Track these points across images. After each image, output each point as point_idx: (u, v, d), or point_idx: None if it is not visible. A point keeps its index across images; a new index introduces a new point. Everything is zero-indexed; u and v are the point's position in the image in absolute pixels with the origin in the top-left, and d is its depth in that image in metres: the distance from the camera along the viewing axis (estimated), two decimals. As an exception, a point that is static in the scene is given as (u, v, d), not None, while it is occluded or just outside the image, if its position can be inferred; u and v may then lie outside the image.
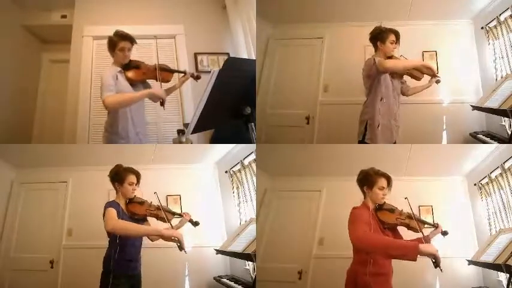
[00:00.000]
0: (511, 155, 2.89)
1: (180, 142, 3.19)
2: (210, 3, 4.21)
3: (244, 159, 3.31)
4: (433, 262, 1.76)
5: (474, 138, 3.18)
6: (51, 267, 3.38)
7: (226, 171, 3.55)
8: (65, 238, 3.45)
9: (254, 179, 3.19)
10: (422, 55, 3.44)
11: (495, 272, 2.86)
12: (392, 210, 2.04)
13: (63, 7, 4.27)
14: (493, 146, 2.95)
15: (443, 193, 3.36)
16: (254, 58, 3.30)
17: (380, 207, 2.02)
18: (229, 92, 1.82)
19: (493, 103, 2.64)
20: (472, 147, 3.14)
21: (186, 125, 3.54)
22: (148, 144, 3.14)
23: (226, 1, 3.92)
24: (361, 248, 1.77)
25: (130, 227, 2.08)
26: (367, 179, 2.04)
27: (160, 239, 2.10)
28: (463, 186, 3.39)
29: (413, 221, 2.04)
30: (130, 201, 2.28)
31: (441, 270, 1.76)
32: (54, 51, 4.73)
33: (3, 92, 3.98)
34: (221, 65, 1.81)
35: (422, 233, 2.00)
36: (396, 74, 2.59)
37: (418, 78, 2.65)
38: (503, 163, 2.94)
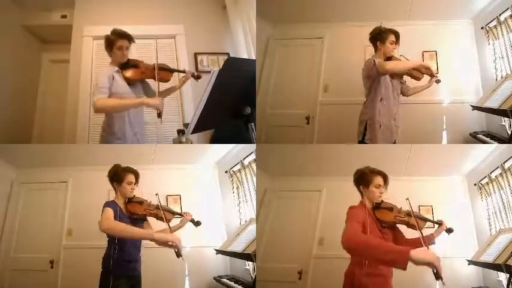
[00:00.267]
0: (511, 155, 2.89)
1: (180, 142, 3.19)
2: (210, 3, 4.21)
3: (244, 159, 3.31)
4: (433, 272, 1.45)
5: (474, 138, 3.18)
6: (51, 267, 3.38)
7: (226, 171, 3.55)
8: (65, 238, 3.45)
9: (254, 179, 3.19)
10: (422, 55, 3.44)
11: (495, 272, 2.86)
12: (390, 208, 2.03)
13: (63, 7, 4.27)
14: (493, 146, 2.95)
15: (443, 193, 3.36)
16: (254, 58, 3.30)
17: (378, 206, 2.01)
18: (229, 92, 1.82)
19: (493, 103, 2.64)
20: (472, 147, 3.14)
21: (186, 125, 3.54)
22: (148, 144, 3.14)
23: (226, 1, 3.92)
24: (348, 248, 1.52)
25: (124, 228, 1.99)
26: (363, 178, 2.03)
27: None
28: (463, 186, 3.39)
29: (413, 219, 2.02)
30: (130, 200, 2.28)
31: (443, 282, 1.46)
32: (54, 51, 4.72)
33: (3, 92, 3.98)
34: (221, 65, 1.81)
35: (420, 230, 1.94)
36: (396, 75, 2.59)
37: (418, 79, 2.65)
38: (503, 163, 2.94)
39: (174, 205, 3.42)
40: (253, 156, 3.17)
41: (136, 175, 2.30)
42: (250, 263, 3.12)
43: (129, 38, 2.61)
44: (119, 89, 2.54)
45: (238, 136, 2.40)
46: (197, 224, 2.41)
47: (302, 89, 3.67)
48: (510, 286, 2.33)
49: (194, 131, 1.81)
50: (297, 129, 3.64)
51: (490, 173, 3.10)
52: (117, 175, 2.28)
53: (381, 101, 2.51)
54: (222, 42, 4.11)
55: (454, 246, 2.89)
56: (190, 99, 3.86)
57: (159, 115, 2.49)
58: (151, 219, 2.35)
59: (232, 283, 3.12)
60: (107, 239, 2.19)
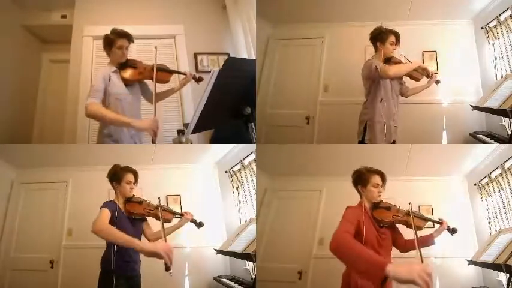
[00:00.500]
0: (511, 155, 2.89)
1: (180, 142, 3.19)
2: (210, 3, 4.21)
3: (244, 159, 3.31)
4: None
5: (474, 138, 3.18)
6: (51, 267, 3.38)
7: (226, 171, 3.55)
8: (65, 238, 3.45)
9: (254, 179, 3.19)
10: (422, 55, 3.45)
11: (495, 272, 2.86)
12: (388, 208, 2.02)
13: (63, 7, 4.26)
14: (493, 146, 2.95)
15: (443, 193, 3.36)
16: (254, 58, 3.30)
17: (376, 206, 2.00)
18: (229, 92, 1.82)
19: (493, 103, 2.64)
20: (472, 147, 3.14)
21: (186, 125, 3.54)
22: (148, 144, 3.14)
23: (226, 1, 3.92)
24: (331, 249, 1.42)
25: (112, 233, 1.86)
26: (361, 178, 2.02)
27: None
28: (463, 186, 3.39)
29: (412, 218, 2.01)
30: (129, 200, 2.28)
31: None
32: (54, 51, 4.72)
33: (3, 92, 3.97)
34: (221, 65, 1.81)
35: (415, 231, 1.89)
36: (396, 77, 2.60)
37: (417, 80, 2.66)
38: (503, 163, 2.94)
39: (174, 205, 3.42)
40: (253, 156, 3.17)
41: (136, 174, 2.30)
42: (250, 263, 3.12)
43: (129, 38, 2.59)
44: (116, 90, 2.52)
45: (238, 136, 2.39)
46: (199, 225, 2.41)
47: (302, 89, 3.67)
48: (510, 286, 2.33)
49: (194, 131, 1.81)
50: (297, 129, 3.64)
51: (490, 173, 3.10)
52: (116, 175, 2.28)
53: (380, 101, 2.52)
54: (222, 42, 4.11)
55: (454, 246, 2.89)
56: (190, 99, 3.86)
57: (153, 141, 2.34)
58: (152, 220, 2.35)
59: (232, 283, 3.12)
60: (107, 239, 2.18)
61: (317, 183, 3.52)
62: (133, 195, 2.29)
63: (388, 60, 2.57)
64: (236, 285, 3.05)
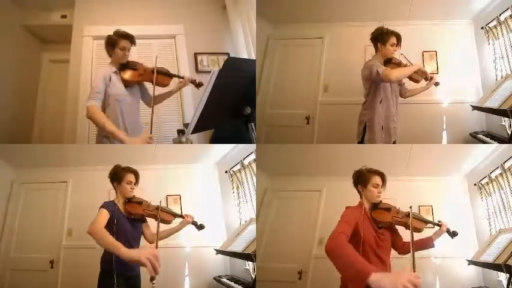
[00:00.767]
0: (511, 155, 2.89)
1: (180, 142, 3.19)
2: (210, 3, 4.21)
3: (244, 159, 3.31)
4: None
5: (474, 138, 3.18)
6: (51, 267, 3.38)
7: (226, 171, 3.55)
8: (65, 238, 3.45)
9: (254, 179, 3.19)
10: (422, 55, 3.44)
11: (495, 272, 2.86)
12: (388, 209, 2.01)
13: (63, 7, 4.27)
14: (493, 146, 2.95)
15: (443, 193, 3.36)
16: (254, 58, 3.30)
17: (376, 206, 2.00)
18: (229, 92, 1.82)
19: (493, 103, 2.64)
20: (472, 147, 3.14)
21: (186, 125, 3.54)
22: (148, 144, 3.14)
23: (226, 1, 3.92)
24: (327, 251, 1.40)
25: (102, 236, 1.83)
26: (361, 178, 2.03)
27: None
28: (463, 186, 3.39)
29: (412, 220, 1.99)
30: (129, 200, 2.28)
31: None
32: (54, 51, 4.72)
33: (3, 92, 3.97)
34: (221, 65, 1.81)
35: (411, 234, 1.85)
36: None
37: (416, 81, 2.67)
38: (503, 163, 2.94)
39: (174, 205, 3.42)
40: (253, 156, 3.17)
41: (136, 175, 2.30)
42: (250, 263, 3.12)
43: (131, 40, 2.62)
44: (115, 90, 2.54)
45: (238, 136, 2.39)
46: (200, 227, 2.41)
47: (302, 89, 3.67)
48: (510, 286, 2.33)
49: (194, 131, 1.81)
50: (297, 129, 3.64)
51: (490, 173, 3.10)
52: (117, 175, 2.28)
53: (380, 102, 2.51)
54: (222, 42, 4.11)
55: (454, 246, 2.88)
56: (190, 100, 3.86)
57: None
58: (151, 221, 2.35)
59: (232, 283, 3.12)
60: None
61: (317, 183, 3.52)
62: (134, 196, 2.29)
63: (388, 61, 2.56)
64: (236, 285, 3.05)
